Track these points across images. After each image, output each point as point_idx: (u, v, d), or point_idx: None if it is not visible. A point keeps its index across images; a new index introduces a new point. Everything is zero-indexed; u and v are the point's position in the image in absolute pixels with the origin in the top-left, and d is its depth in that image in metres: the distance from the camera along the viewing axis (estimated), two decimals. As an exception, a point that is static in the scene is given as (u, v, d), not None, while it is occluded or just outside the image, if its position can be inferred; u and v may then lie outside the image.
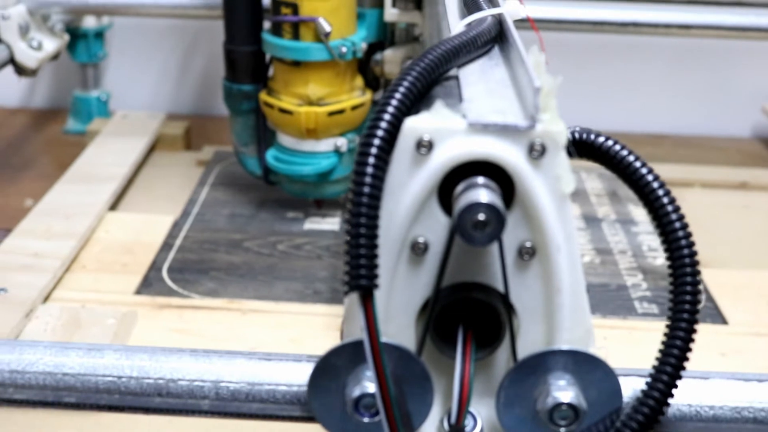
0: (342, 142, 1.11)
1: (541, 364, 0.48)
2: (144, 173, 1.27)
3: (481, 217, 0.43)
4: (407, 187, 0.46)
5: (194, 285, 0.98)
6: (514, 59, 0.52)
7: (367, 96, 1.14)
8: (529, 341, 0.49)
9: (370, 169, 0.45)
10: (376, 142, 0.45)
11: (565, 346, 0.48)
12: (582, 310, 0.49)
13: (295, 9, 1.05)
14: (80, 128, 1.44)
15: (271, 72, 1.13)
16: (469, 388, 0.48)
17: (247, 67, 1.14)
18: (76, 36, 1.42)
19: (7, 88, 1.51)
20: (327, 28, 1.05)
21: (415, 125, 0.46)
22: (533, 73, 0.46)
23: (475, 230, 0.44)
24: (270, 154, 1.13)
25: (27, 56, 1.20)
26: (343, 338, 0.50)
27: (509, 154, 0.45)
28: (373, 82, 1.17)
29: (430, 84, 0.49)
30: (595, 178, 1.31)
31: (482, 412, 0.51)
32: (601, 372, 0.49)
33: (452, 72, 0.53)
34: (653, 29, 1.29)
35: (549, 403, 0.48)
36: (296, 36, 1.06)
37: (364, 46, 1.12)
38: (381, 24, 1.15)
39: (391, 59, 1.16)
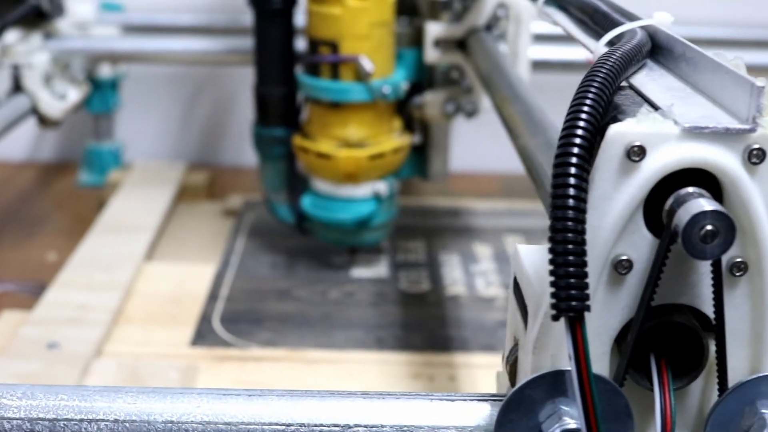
0: (381, 187, 1.07)
1: (753, 391, 0.44)
2: (173, 223, 1.22)
3: (710, 227, 0.40)
4: (613, 200, 0.42)
5: (250, 335, 0.93)
6: (689, 66, 0.48)
7: (406, 138, 1.10)
8: (732, 367, 0.45)
9: (573, 180, 0.41)
10: (576, 151, 0.41)
11: (779, 372, 0.44)
12: (791, 331, 0.45)
13: (335, 48, 1.01)
14: (96, 181, 1.38)
15: (305, 115, 1.09)
16: (672, 421, 0.44)
17: (279, 110, 1.10)
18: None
19: (12, 142, 1.44)
20: (370, 67, 1.01)
21: (624, 130, 0.42)
22: (746, 74, 0.42)
23: (704, 242, 0.40)
24: (306, 201, 1.08)
25: (51, 106, 1.14)
26: (527, 370, 0.46)
27: (726, 160, 0.42)
28: (408, 124, 1.13)
29: (614, 91, 0.45)
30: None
31: (676, 446, 0.47)
32: (818, 398, 0.45)
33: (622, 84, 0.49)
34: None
35: (765, 435, 0.43)
36: (335, 76, 1.02)
37: (405, 86, 1.08)
38: (419, 64, 1.12)
39: (432, 102, 1.13)
